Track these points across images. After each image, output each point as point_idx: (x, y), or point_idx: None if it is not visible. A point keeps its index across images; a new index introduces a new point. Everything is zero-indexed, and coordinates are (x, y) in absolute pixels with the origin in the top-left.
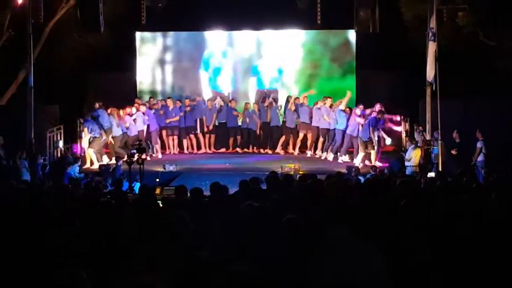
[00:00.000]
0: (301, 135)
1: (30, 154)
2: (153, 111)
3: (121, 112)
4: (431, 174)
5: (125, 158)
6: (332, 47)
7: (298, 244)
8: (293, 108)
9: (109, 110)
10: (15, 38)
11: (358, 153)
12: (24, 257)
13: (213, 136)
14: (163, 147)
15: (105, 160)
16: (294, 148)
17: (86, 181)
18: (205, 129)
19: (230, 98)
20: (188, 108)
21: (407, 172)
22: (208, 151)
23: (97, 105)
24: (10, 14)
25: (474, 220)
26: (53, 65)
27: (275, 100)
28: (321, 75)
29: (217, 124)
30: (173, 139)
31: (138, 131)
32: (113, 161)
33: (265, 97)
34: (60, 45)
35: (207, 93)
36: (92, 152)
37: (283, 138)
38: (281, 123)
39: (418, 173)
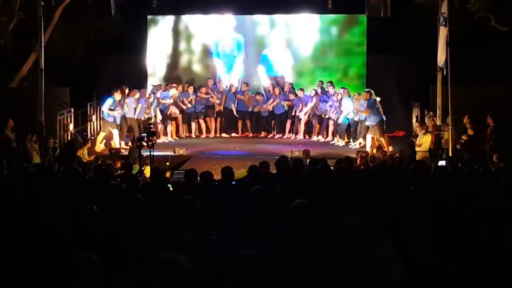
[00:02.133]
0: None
1: (40, 137)
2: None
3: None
4: (442, 163)
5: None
6: (343, 31)
7: (306, 228)
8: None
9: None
10: (26, 21)
11: (365, 138)
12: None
13: (222, 120)
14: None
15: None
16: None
17: (96, 165)
18: (217, 109)
19: (242, 82)
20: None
21: (417, 157)
22: (216, 135)
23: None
24: None
25: (480, 206)
26: (64, 48)
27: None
28: (331, 60)
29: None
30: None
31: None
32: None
33: (274, 84)
34: (71, 28)
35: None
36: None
37: (289, 123)
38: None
39: (428, 159)
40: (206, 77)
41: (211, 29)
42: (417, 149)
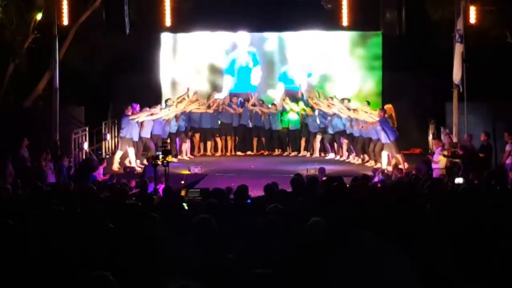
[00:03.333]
0: (318, 137)
1: (55, 156)
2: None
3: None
4: (459, 180)
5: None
6: (358, 48)
7: (322, 246)
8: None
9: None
10: (41, 40)
11: (380, 155)
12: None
13: (237, 138)
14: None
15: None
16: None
17: (111, 183)
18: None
19: (256, 98)
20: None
21: (434, 175)
22: (232, 153)
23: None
24: (36, 16)
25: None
26: (79, 66)
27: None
28: (347, 77)
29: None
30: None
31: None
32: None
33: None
34: (85, 47)
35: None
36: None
37: (303, 141)
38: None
39: (445, 176)
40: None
41: (225, 46)
42: (434, 166)
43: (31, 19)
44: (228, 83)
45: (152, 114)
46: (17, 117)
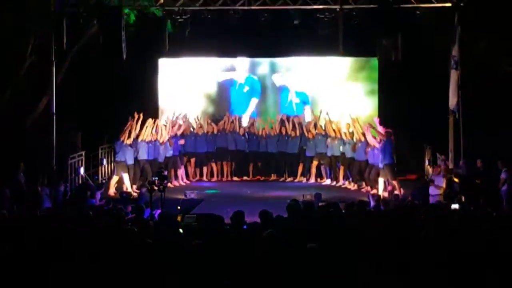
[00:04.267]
0: (315, 162)
1: (51, 181)
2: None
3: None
4: (455, 206)
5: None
6: (354, 74)
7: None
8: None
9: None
10: (38, 64)
11: (376, 181)
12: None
13: (233, 163)
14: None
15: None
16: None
17: (107, 208)
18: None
19: (250, 123)
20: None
21: (431, 201)
22: (228, 179)
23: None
24: (33, 40)
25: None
26: (76, 91)
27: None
28: (343, 101)
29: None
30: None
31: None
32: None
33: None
34: (82, 72)
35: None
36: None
37: (301, 166)
38: (298, 150)
39: (442, 202)
40: (217, 118)
41: (224, 71)
42: (434, 192)
43: (28, 44)
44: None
45: (138, 136)
46: (14, 142)
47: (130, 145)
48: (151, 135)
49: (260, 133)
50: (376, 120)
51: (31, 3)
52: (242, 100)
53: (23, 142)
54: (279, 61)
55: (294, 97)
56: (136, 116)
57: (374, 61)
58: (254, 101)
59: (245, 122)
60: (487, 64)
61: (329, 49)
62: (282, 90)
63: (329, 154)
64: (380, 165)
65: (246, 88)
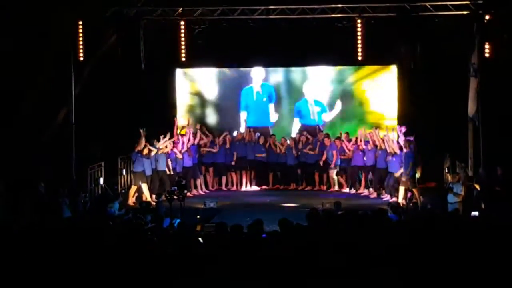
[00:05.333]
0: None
1: (71, 191)
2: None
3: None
4: (475, 213)
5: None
6: (374, 82)
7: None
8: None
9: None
10: (56, 75)
11: (397, 189)
12: None
13: (253, 172)
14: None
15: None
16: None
17: (127, 218)
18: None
19: (270, 134)
20: (227, 145)
21: (449, 209)
22: (249, 188)
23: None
24: (52, 53)
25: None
26: (94, 102)
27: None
28: (362, 110)
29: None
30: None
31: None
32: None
33: (301, 134)
34: (101, 82)
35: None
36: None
37: (317, 175)
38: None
39: (461, 210)
40: (236, 128)
41: (240, 81)
42: (454, 199)
43: (47, 55)
44: (244, 118)
45: (149, 151)
46: (34, 153)
47: (147, 156)
48: (168, 145)
49: (278, 149)
50: (400, 129)
51: (52, 15)
52: (262, 108)
53: (43, 153)
54: (296, 70)
55: (314, 106)
56: (141, 132)
57: (393, 69)
58: (271, 107)
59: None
60: (506, 71)
61: (347, 58)
62: (300, 99)
63: (352, 164)
64: (400, 174)
65: (264, 98)
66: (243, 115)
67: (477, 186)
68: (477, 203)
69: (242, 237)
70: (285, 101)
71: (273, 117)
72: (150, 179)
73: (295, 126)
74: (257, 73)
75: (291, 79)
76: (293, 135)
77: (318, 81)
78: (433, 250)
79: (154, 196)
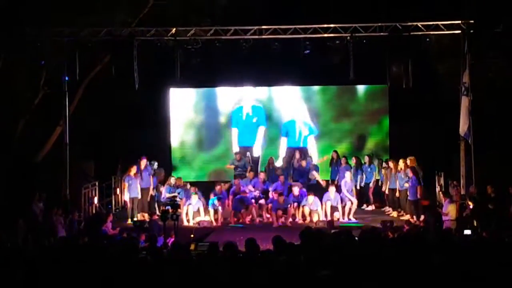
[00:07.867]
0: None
1: (66, 210)
2: None
3: None
4: (467, 232)
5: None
6: (365, 101)
7: None
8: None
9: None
10: (50, 95)
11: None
12: None
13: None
14: None
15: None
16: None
17: (121, 238)
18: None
19: (252, 153)
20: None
21: (444, 226)
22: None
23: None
24: (45, 72)
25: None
26: (88, 121)
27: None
28: (353, 129)
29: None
30: None
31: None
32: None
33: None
34: (95, 102)
35: (236, 149)
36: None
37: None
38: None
39: (455, 228)
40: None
41: (232, 101)
42: (444, 218)
43: (41, 76)
44: (235, 137)
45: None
46: (28, 172)
47: (135, 176)
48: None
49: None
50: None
51: (44, 35)
52: (250, 130)
53: (37, 173)
54: (286, 89)
55: (302, 126)
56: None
57: (385, 88)
58: (261, 129)
59: (256, 151)
60: (497, 90)
61: (338, 78)
62: (289, 121)
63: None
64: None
65: (255, 119)
66: (234, 132)
67: (470, 203)
68: (469, 221)
69: (236, 256)
70: (273, 121)
71: (259, 141)
72: (141, 198)
73: (282, 145)
74: (247, 93)
75: (280, 98)
76: (281, 155)
77: (307, 101)
78: (423, 266)
79: (146, 215)
